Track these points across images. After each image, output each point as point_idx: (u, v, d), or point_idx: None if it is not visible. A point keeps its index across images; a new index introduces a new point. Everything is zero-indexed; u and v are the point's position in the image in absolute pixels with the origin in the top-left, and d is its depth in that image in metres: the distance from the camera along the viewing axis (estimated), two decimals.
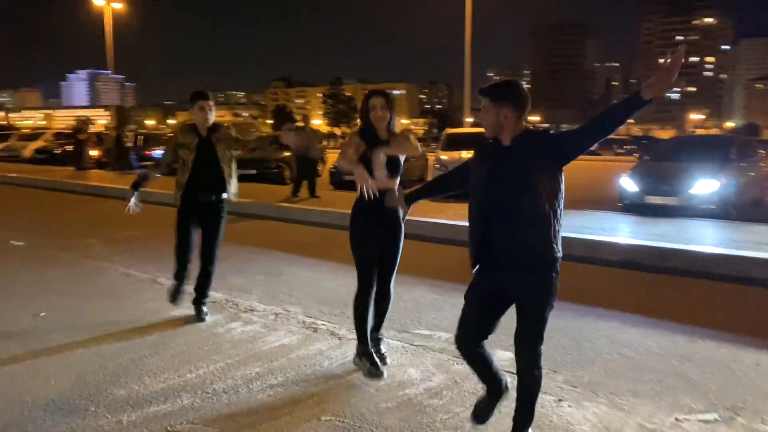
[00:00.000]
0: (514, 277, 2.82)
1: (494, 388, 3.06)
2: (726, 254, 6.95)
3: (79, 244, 8.29)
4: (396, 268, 4.00)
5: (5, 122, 63.55)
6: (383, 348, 4.13)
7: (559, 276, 2.84)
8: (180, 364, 4.09)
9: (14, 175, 18.86)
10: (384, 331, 4.75)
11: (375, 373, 3.81)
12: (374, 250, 3.85)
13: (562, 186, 2.76)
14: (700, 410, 3.48)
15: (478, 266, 2.94)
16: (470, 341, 3.00)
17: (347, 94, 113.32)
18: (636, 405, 3.52)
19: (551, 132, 2.86)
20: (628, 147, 44.39)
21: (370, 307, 3.91)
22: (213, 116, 4.99)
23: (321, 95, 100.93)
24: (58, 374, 3.91)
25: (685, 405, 3.54)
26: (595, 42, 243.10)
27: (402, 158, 3.87)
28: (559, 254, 2.80)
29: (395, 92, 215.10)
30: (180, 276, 5.07)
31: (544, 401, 3.54)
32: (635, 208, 10.74)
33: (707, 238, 7.95)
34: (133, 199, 4.94)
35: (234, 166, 5.08)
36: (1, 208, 12.62)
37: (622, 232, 8.47)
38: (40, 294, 5.78)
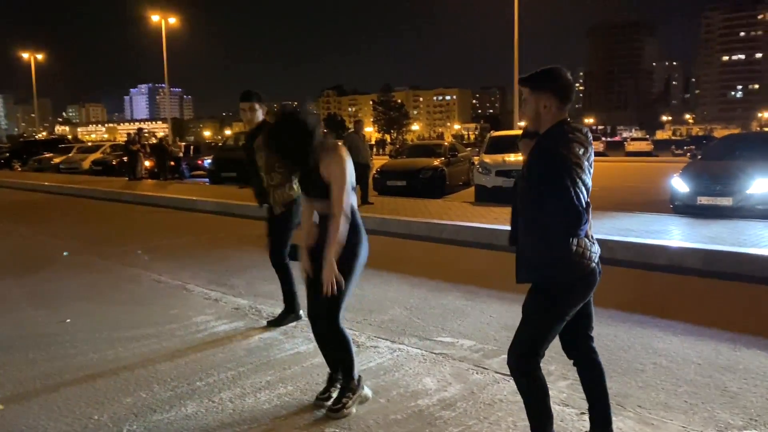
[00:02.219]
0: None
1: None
2: None
3: (119, 251, 8.42)
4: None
5: (70, 136, 66.22)
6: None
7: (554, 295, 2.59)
8: (192, 371, 4.02)
9: (72, 186, 19.51)
10: (405, 338, 4.61)
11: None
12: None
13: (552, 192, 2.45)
14: (738, 426, 3.17)
15: None
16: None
17: (398, 100, 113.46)
18: (666, 419, 3.24)
19: (562, 138, 2.51)
20: (687, 148, 42.89)
21: None
22: (255, 118, 4.81)
23: (372, 102, 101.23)
24: (69, 381, 3.89)
25: (721, 420, 3.24)
26: (653, 40, 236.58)
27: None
28: (552, 272, 2.56)
29: (446, 98, 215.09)
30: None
31: (564, 414, 3.31)
32: (687, 209, 10.23)
33: (763, 240, 7.45)
34: None
35: (278, 172, 4.61)
36: (54, 218, 13.01)
37: (669, 234, 8.03)
38: (71, 300, 5.85)
